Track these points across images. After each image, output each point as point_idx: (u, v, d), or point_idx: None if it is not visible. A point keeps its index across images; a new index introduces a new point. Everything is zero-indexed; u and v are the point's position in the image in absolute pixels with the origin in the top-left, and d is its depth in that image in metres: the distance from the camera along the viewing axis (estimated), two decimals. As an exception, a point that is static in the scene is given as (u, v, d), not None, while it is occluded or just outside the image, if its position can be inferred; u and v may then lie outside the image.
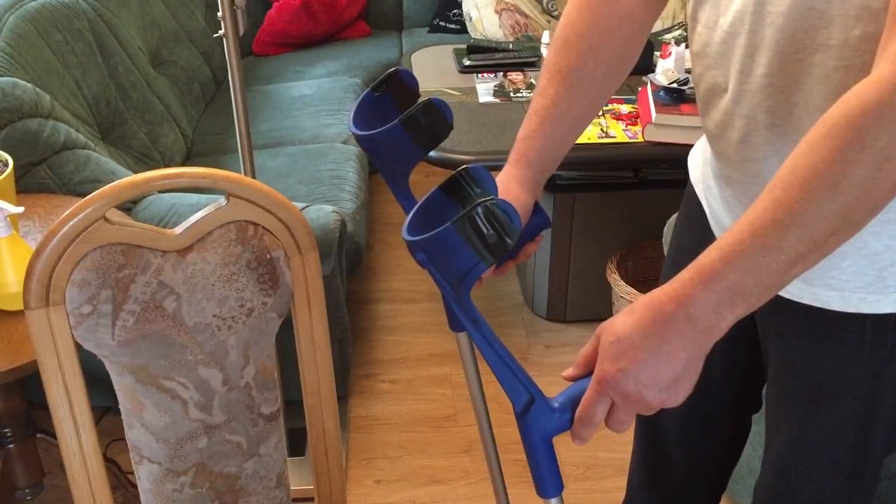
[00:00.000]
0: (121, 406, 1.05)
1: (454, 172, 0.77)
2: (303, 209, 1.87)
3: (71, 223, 0.95)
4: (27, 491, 1.65)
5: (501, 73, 2.48)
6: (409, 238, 0.75)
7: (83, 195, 1.77)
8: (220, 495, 1.12)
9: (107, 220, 0.97)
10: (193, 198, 1.85)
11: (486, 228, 0.71)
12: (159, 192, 1.83)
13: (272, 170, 2.36)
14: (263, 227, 1.04)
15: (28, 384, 1.48)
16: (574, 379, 0.80)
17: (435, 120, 0.91)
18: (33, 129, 1.76)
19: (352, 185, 2.28)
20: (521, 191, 0.99)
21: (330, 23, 3.31)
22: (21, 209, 1.33)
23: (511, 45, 2.70)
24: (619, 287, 2.11)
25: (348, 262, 2.05)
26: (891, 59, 0.70)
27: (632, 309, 0.75)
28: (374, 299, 2.57)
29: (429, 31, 3.44)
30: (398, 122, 0.91)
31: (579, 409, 0.77)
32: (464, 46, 2.66)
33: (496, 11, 3.08)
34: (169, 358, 1.03)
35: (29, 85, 1.81)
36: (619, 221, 2.34)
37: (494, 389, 2.19)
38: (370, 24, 3.48)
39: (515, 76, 2.46)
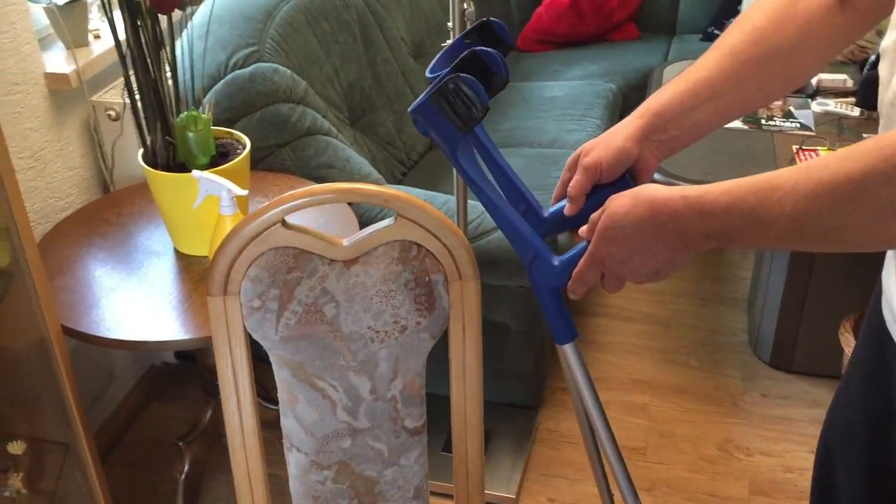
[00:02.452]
0: (279, 394, 1.13)
1: (447, 78, 0.88)
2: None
3: (253, 224, 1.03)
4: (231, 439, 1.83)
5: (759, 96, 2.31)
6: (410, 110, 0.92)
7: (317, 179, 1.91)
8: (359, 494, 1.17)
9: (285, 224, 1.04)
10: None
11: (454, 100, 0.87)
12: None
13: (505, 170, 2.38)
14: (427, 250, 1.06)
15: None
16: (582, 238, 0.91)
17: (487, 69, 0.91)
18: (284, 113, 1.92)
19: (579, 196, 2.25)
20: (622, 140, 0.95)
21: (598, 24, 3.27)
22: (246, 192, 1.45)
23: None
24: (850, 349, 1.90)
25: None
26: None
27: (637, 199, 0.81)
28: (588, 312, 2.52)
29: (701, 39, 3.28)
30: (451, 69, 0.90)
31: (575, 271, 0.90)
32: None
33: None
34: (323, 360, 1.08)
35: (288, 71, 1.97)
36: (865, 275, 2.09)
37: (688, 429, 2.12)
38: (640, 26, 3.38)
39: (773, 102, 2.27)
